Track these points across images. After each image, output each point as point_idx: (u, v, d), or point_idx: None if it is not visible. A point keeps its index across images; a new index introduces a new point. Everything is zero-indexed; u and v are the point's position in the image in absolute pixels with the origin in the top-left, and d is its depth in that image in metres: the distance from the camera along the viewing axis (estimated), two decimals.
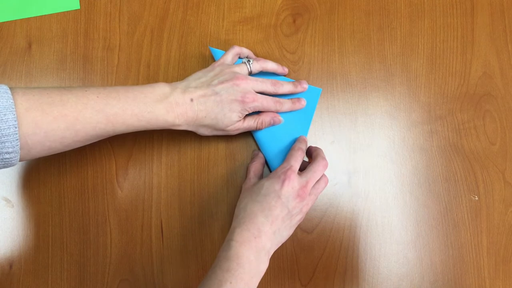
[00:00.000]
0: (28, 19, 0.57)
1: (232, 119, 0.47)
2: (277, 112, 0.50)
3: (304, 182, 0.45)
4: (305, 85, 0.51)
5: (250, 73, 0.49)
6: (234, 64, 0.50)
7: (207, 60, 0.55)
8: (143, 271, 0.51)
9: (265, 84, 0.48)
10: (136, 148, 0.53)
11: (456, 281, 0.49)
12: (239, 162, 0.52)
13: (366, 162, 0.52)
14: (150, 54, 0.55)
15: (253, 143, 0.53)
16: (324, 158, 0.47)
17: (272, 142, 0.51)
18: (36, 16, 0.57)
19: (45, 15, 0.57)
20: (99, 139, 0.43)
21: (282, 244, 0.49)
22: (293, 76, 0.54)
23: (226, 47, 0.55)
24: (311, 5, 0.56)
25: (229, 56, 0.50)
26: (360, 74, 0.54)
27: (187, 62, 0.55)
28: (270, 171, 0.51)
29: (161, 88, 0.44)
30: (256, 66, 0.49)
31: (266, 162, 0.51)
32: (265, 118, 0.49)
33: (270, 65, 0.51)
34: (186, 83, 0.46)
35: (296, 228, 0.50)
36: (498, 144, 0.52)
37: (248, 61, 0.49)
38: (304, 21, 0.55)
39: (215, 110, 0.45)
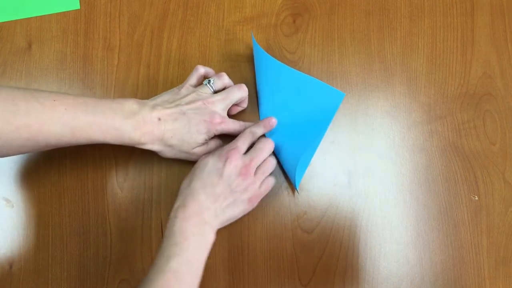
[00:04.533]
0: (28, 19, 0.57)
1: (198, 141, 0.47)
2: (294, 124, 0.51)
3: (247, 161, 0.46)
4: (274, 123, 0.51)
5: (214, 92, 0.49)
6: (198, 85, 0.50)
7: (207, 60, 0.55)
8: (143, 271, 0.51)
9: (232, 98, 0.48)
10: (136, 148, 0.53)
11: (456, 281, 0.49)
12: None
13: (366, 162, 0.52)
14: (150, 54, 0.55)
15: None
16: (268, 140, 0.48)
17: (286, 146, 0.51)
18: (36, 16, 0.57)
19: (45, 15, 0.57)
20: (58, 147, 0.43)
21: (282, 244, 0.50)
22: None
23: (226, 47, 0.55)
24: (311, 5, 0.56)
25: (194, 78, 0.50)
26: (360, 74, 0.54)
27: (187, 62, 0.55)
28: (285, 176, 0.51)
29: (130, 105, 0.44)
30: (218, 84, 0.49)
31: (280, 166, 0.52)
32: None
33: (227, 81, 0.50)
34: (154, 102, 0.46)
35: (296, 228, 0.50)
36: (498, 144, 0.52)
37: (209, 81, 0.49)
38: (304, 21, 0.55)
39: (182, 131, 0.46)
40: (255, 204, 0.48)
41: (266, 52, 0.49)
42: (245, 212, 0.47)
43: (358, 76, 0.54)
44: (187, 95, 0.47)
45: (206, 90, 0.48)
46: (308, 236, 0.50)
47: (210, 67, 0.52)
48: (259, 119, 0.53)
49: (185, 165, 0.52)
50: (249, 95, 0.53)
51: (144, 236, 0.51)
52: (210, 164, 0.45)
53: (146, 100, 0.46)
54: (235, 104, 0.51)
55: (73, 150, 0.53)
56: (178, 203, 0.44)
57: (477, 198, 0.51)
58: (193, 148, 0.48)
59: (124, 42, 0.56)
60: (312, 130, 0.51)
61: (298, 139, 0.51)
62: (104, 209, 0.52)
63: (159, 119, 0.45)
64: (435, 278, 0.49)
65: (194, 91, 0.48)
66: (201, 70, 0.50)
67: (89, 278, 0.51)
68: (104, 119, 0.42)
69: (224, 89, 0.50)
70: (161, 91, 0.52)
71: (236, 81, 0.54)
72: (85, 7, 0.57)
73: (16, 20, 0.57)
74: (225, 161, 0.45)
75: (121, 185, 0.52)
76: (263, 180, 0.48)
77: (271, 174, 0.49)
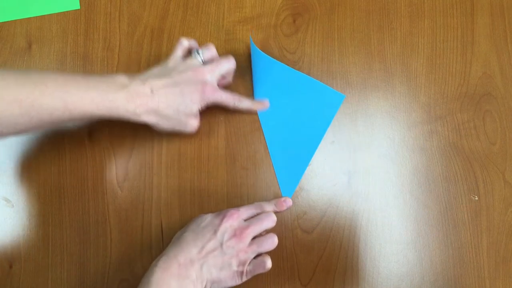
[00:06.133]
0: (28, 19, 0.57)
1: (193, 110, 0.47)
2: (294, 126, 0.51)
3: (245, 225, 0.45)
4: (266, 104, 0.52)
5: (203, 62, 0.49)
6: (186, 57, 0.50)
7: None
8: (143, 271, 0.50)
9: (221, 69, 0.48)
10: (136, 148, 0.53)
11: (456, 281, 0.49)
12: (239, 163, 0.52)
13: (366, 162, 0.52)
14: (150, 54, 0.55)
15: (253, 144, 0.53)
16: (273, 214, 0.46)
17: (283, 147, 0.51)
18: (36, 16, 0.57)
19: (45, 15, 0.57)
20: (54, 126, 0.43)
21: (283, 244, 0.49)
22: None
23: (226, 47, 0.55)
24: (311, 5, 0.56)
25: (179, 50, 0.49)
26: (360, 74, 0.54)
27: None
28: (277, 178, 0.51)
29: (121, 79, 0.44)
30: (207, 54, 0.49)
31: (274, 168, 0.52)
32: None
33: (215, 52, 0.50)
34: (144, 76, 0.46)
35: (296, 228, 0.50)
36: (498, 144, 0.52)
37: (198, 52, 0.49)
38: (304, 21, 0.55)
39: (177, 101, 0.46)
40: (244, 279, 0.44)
41: (265, 54, 0.49)
42: (231, 284, 0.44)
43: (358, 76, 0.54)
44: (176, 66, 0.47)
45: (195, 60, 0.48)
46: (308, 236, 0.50)
47: None
48: (258, 119, 0.53)
49: (185, 165, 0.52)
50: (248, 96, 0.53)
51: (144, 236, 0.51)
52: (208, 220, 0.45)
53: (135, 74, 0.46)
54: (222, 77, 0.51)
55: (73, 150, 0.53)
56: (164, 251, 0.43)
57: (477, 198, 0.51)
58: (188, 119, 0.47)
59: (124, 42, 0.56)
60: (311, 132, 0.51)
61: (297, 141, 0.51)
62: (104, 209, 0.52)
63: (152, 91, 0.44)
64: (435, 278, 0.49)
65: (183, 62, 0.48)
66: (185, 43, 0.50)
67: (89, 278, 0.51)
68: (97, 92, 0.42)
69: (212, 60, 0.50)
70: None
71: (236, 81, 0.54)
72: (85, 7, 0.57)
73: (16, 20, 0.57)
74: (223, 218, 0.44)
75: (121, 185, 0.52)
76: (259, 259, 0.45)
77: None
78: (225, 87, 0.52)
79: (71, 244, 0.51)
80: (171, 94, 0.45)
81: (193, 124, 0.48)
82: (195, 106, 0.47)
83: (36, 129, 0.42)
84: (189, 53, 0.50)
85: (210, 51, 0.50)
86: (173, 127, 0.48)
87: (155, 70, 0.47)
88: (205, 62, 0.49)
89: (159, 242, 0.51)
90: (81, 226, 0.52)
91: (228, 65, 0.49)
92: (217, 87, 0.48)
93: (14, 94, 0.38)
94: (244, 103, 0.51)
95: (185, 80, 0.46)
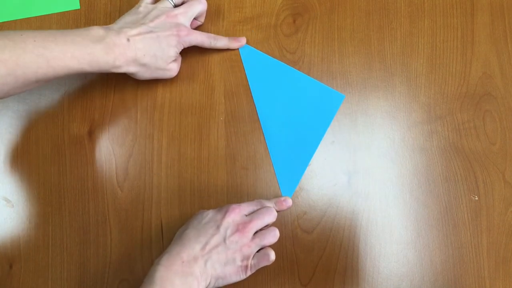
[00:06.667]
0: (28, 19, 0.57)
1: (170, 54, 0.48)
2: (293, 126, 0.51)
3: (247, 219, 0.44)
4: (243, 41, 0.53)
5: (174, 6, 0.50)
6: (157, 2, 0.50)
7: (207, 60, 0.55)
8: (143, 271, 0.51)
9: (194, 10, 0.49)
10: (136, 148, 0.53)
11: (456, 281, 0.49)
12: (239, 163, 0.52)
13: (366, 162, 0.52)
14: None
15: (253, 144, 0.53)
16: (273, 209, 0.46)
17: (283, 147, 0.51)
18: (36, 16, 0.57)
19: (45, 15, 0.57)
20: (40, 85, 0.43)
21: (283, 244, 0.49)
22: None
23: None
24: (311, 5, 0.56)
25: None
26: (360, 74, 0.54)
27: (187, 61, 0.55)
28: (277, 178, 0.51)
29: (96, 31, 0.44)
30: None
31: (274, 168, 0.52)
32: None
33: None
34: (118, 25, 0.47)
35: (296, 228, 0.50)
36: (498, 144, 0.52)
37: None
38: (304, 21, 0.55)
39: (153, 47, 0.46)
40: (248, 273, 0.44)
41: (265, 54, 0.49)
42: (235, 280, 0.44)
43: (358, 76, 0.54)
44: (148, 12, 0.48)
45: (166, 4, 0.49)
46: (308, 236, 0.50)
47: (210, 66, 0.52)
48: (258, 119, 0.53)
49: (185, 165, 0.52)
50: (247, 95, 0.53)
51: (144, 236, 0.51)
52: (210, 215, 0.45)
53: (109, 25, 0.47)
54: (194, 19, 0.52)
55: (73, 150, 0.53)
56: (167, 249, 0.42)
57: (477, 198, 0.51)
58: (167, 64, 0.48)
59: None
60: (311, 132, 0.51)
61: (297, 141, 0.51)
62: (104, 209, 0.52)
63: (128, 40, 0.45)
64: (435, 278, 0.49)
65: (155, 8, 0.49)
66: None
67: (89, 278, 0.51)
68: (75, 45, 0.42)
69: (183, 3, 0.51)
70: None
71: (236, 81, 0.54)
72: (85, 7, 0.57)
73: (16, 20, 0.57)
74: (225, 213, 0.44)
75: (121, 185, 0.52)
76: (261, 251, 0.45)
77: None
78: (197, 28, 0.54)
79: (71, 244, 0.51)
80: (148, 41, 0.46)
81: (172, 68, 0.49)
82: (172, 50, 0.48)
83: (22, 90, 0.42)
84: None
85: None
86: (153, 74, 0.49)
87: (128, 17, 0.48)
88: (176, 5, 0.50)
89: (159, 242, 0.51)
90: (81, 226, 0.52)
91: (200, 6, 0.50)
92: (191, 29, 0.50)
93: None
94: (220, 41, 0.52)
95: (159, 26, 0.47)
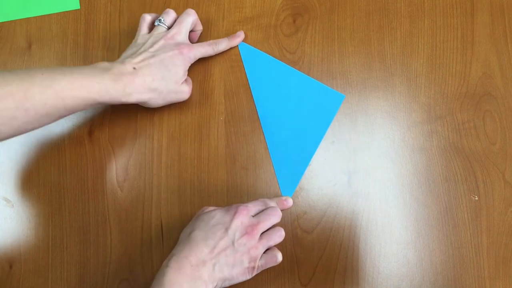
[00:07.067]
0: (28, 19, 0.57)
1: (179, 74, 0.48)
2: (293, 126, 0.51)
3: (255, 221, 0.44)
4: (242, 35, 0.54)
5: (168, 28, 0.51)
6: (151, 30, 0.51)
7: (207, 60, 0.55)
8: (143, 271, 0.51)
9: (186, 25, 0.50)
10: (136, 148, 0.53)
11: (456, 281, 0.49)
12: (239, 162, 0.52)
13: (366, 162, 0.52)
14: None
15: (253, 144, 0.53)
16: (278, 209, 0.47)
17: (283, 147, 0.51)
18: (36, 16, 0.57)
19: (45, 15, 0.57)
20: (52, 121, 0.43)
21: (283, 244, 0.49)
22: None
23: None
24: (311, 5, 0.56)
25: (144, 27, 0.51)
26: (360, 74, 0.54)
27: None
28: (277, 178, 0.51)
29: (102, 63, 0.45)
30: (168, 19, 0.51)
31: (274, 168, 0.52)
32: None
33: (174, 14, 0.52)
34: (121, 58, 0.47)
35: (296, 228, 0.50)
36: (498, 144, 0.52)
37: (160, 20, 0.50)
38: (304, 21, 0.55)
39: (161, 70, 0.47)
40: (254, 274, 0.44)
41: (265, 53, 0.49)
42: (241, 280, 0.44)
43: (358, 76, 0.54)
44: (146, 41, 0.49)
45: (160, 29, 0.50)
46: (308, 236, 0.50)
47: (210, 66, 0.52)
48: (258, 119, 0.53)
49: (185, 165, 0.52)
50: (247, 95, 0.53)
51: (144, 236, 0.51)
52: (218, 217, 0.44)
53: (113, 61, 0.47)
54: (192, 31, 0.52)
55: (73, 150, 0.53)
56: (174, 251, 0.42)
57: (477, 198, 0.51)
58: (179, 85, 0.49)
59: (124, 42, 0.56)
60: (311, 132, 0.51)
61: (297, 141, 0.51)
62: (104, 209, 0.52)
63: (134, 68, 0.46)
64: (435, 278, 0.49)
65: (151, 36, 0.49)
66: (148, 17, 0.52)
67: (89, 278, 0.51)
68: (83, 75, 0.43)
69: (174, 21, 0.52)
70: None
71: (237, 81, 0.54)
72: (85, 7, 0.57)
73: (16, 20, 0.57)
74: (234, 215, 0.44)
75: (121, 185, 0.52)
76: (268, 252, 0.46)
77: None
78: (200, 36, 0.55)
79: (71, 244, 0.51)
80: (153, 66, 0.46)
81: (184, 89, 0.50)
82: (180, 69, 0.48)
83: (34, 125, 0.42)
84: (153, 25, 0.52)
85: (170, 15, 0.51)
86: (166, 98, 0.49)
87: (128, 51, 0.49)
88: (169, 27, 0.51)
89: (159, 242, 0.51)
90: (81, 226, 0.52)
91: (190, 18, 0.51)
92: (191, 44, 0.50)
93: (4, 89, 0.38)
94: (221, 44, 0.53)
95: (160, 49, 0.47)
